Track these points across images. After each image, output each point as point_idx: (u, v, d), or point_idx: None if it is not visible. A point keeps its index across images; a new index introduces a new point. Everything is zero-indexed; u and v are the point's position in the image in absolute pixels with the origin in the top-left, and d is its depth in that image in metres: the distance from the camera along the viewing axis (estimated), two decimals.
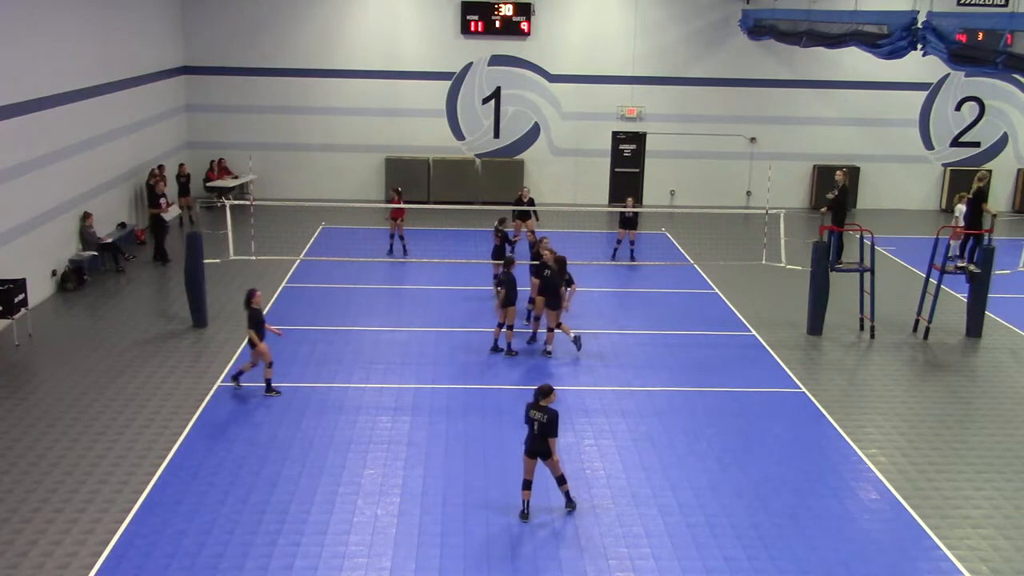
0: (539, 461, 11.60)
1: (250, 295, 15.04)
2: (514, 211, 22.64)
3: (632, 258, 23.25)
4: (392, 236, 23.35)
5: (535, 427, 11.46)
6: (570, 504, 11.79)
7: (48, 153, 19.86)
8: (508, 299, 16.91)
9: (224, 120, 29.15)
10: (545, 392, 11.51)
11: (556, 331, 17.05)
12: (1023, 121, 30.54)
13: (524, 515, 11.64)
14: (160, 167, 25.28)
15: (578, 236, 24.93)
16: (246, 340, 15.25)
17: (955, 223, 19.96)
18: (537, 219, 22.63)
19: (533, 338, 17.64)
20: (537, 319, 17.57)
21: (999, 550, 11.37)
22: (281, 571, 10.55)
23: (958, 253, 19.39)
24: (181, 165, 26.42)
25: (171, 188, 24.95)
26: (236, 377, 15.26)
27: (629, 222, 23.26)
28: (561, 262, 17.09)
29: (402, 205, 23.20)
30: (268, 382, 15.05)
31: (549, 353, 17.03)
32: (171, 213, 23.12)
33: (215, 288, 19.76)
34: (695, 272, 22.37)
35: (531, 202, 22.73)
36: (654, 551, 11.13)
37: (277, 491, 12.23)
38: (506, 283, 16.92)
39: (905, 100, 30.18)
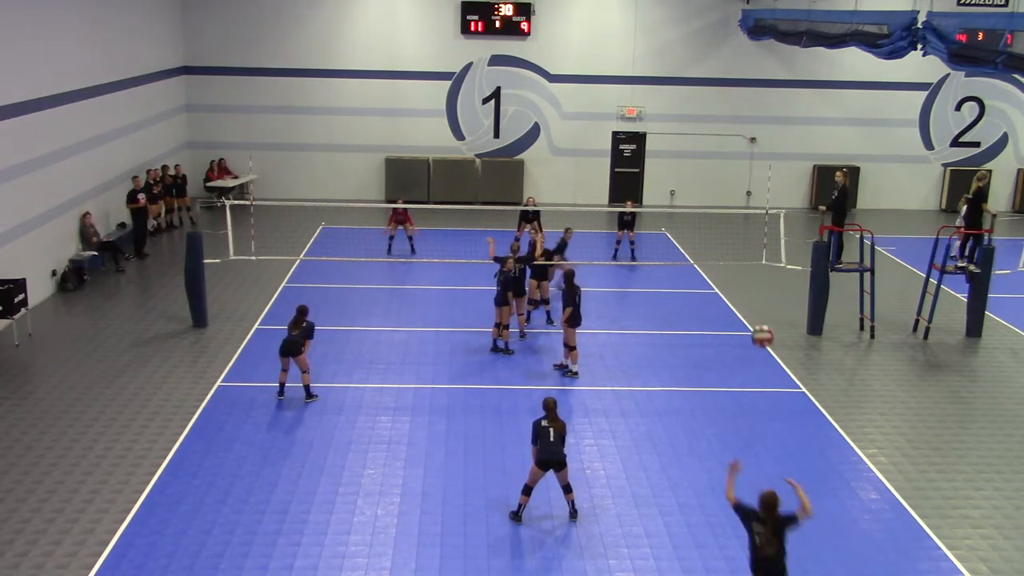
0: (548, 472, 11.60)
1: (306, 310, 14.99)
2: (521, 212, 22.78)
3: (632, 258, 23.25)
4: (392, 238, 23.42)
5: (551, 436, 11.42)
6: (574, 514, 11.74)
7: (48, 153, 19.86)
8: (502, 298, 16.99)
9: (224, 120, 29.15)
10: (555, 405, 11.63)
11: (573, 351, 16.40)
12: (1023, 121, 30.53)
13: (518, 517, 11.63)
14: (164, 167, 25.40)
15: (578, 236, 24.79)
16: (303, 352, 14.83)
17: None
18: (540, 229, 22.58)
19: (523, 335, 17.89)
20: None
21: (999, 550, 11.37)
22: (281, 571, 10.55)
23: (958, 253, 19.38)
24: (177, 166, 26.39)
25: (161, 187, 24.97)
26: (307, 389, 15.07)
27: (628, 223, 23.29)
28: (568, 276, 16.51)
29: (402, 205, 23.28)
30: (307, 387, 15.06)
31: (574, 374, 16.33)
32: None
33: (215, 288, 19.76)
34: (695, 272, 22.36)
35: (536, 213, 22.74)
36: (654, 551, 11.13)
37: (277, 491, 12.23)
38: (503, 283, 16.98)
39: (905, 100, 30.17)
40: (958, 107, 30.37)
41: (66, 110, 20.61)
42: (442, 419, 14.48)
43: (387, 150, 29.65)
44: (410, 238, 23.48)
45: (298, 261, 22.36)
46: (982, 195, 19.32)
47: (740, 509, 9.39)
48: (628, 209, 23.32)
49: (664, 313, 19.81)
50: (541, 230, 21.51)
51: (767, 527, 9.15)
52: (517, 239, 20.23)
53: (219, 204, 24.38)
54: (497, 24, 28.91)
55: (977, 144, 30.62)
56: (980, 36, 17.34)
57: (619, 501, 12.22)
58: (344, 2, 28.82)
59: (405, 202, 23.87)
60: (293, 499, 12.05)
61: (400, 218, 23.37)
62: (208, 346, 17.30)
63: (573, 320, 16.09)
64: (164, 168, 25.57)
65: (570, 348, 16.26)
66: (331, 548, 11.02)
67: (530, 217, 22.30)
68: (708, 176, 30.12)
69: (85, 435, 13.64)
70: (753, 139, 30.11)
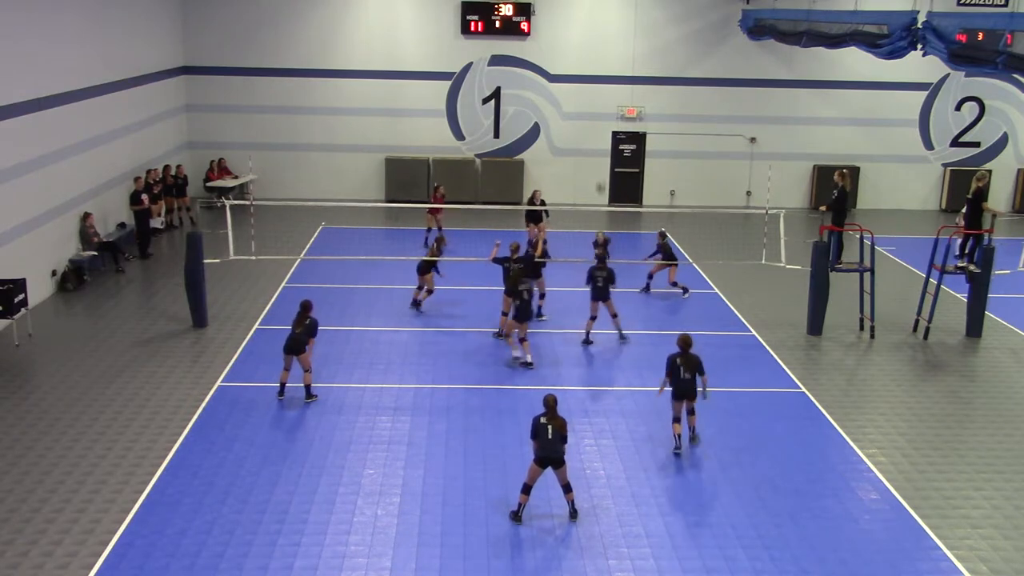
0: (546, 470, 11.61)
1: (310, 305, 14.98)
2: (527, 212, 22.71)
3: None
4: (429, 231, 23.75)
5: (549, 434, 11.43)
6: (574, 514, 11.74)
7: (48, 153, 19.85)
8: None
9: (224, 120, 29.14)
10: (555, 403, 11.65)
11: (523, 342, 16.65)
12: (1023, 121, 30.53)
13: (518, 517, 11.63)
14: (165, 167, 25.42)
15: (577, 236, 24.91)
16: (307, 351, 14.86)
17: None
18: (547, 216, 22.56)
19: (587, 339, 17.67)
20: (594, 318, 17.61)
21: (999, 550, 11.37)
22: (281, 571, 10.55)
23: (957, 253, 19.37)
24: (179, 167, 26.41)
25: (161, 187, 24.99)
26: (308, 389, 15.06)
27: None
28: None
29: (443, 205, 23.39)
30: (308, 387, 15.06)
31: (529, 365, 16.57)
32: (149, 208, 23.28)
33: (215, 288, 19.76)
34: (695, 272, 22.35)
35: (542, 203, 22.67)
36: (654, 551, 11.13)
37: (277, 491, 12.23)
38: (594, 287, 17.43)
39: (905, 100, 30.16)
40: (958, 107, 30.36)
41: (66, 110, 20.60)
42: (442, 419, 14.47)
43: (387, 150, 29.64)
44: (439, 229, 23.81)
45: (298, 261, 22.36)
46: (982, 195, 19.31)
47: (670, 361, 13.35)
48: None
49: (664, 313, 19.81)
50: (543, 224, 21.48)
51: (688, 360, 13.21)
52: (530, 242, 20.30)
53: (219, 204, 24.38)
54: (497, 24, 28.90)
55: (977, 144, 30.61)
56: (980, 36, 17.32)
57: (619, 501, 12.22)
58: (344, 2, 28.81)
59: (441, 198, 23.70)
60: (293, 499, 12.05)
61: (435, 210, 23.68)
62: (208, 346, 17.30)
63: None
64: (166, 168, 25.59)
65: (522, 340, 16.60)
66: (331, 548, 11.02)
67: (537, 216, 22.15)
68: (708, 176, 30.11)
69: (85, 435, 13.64)
70: (753, 139, 30.10)
